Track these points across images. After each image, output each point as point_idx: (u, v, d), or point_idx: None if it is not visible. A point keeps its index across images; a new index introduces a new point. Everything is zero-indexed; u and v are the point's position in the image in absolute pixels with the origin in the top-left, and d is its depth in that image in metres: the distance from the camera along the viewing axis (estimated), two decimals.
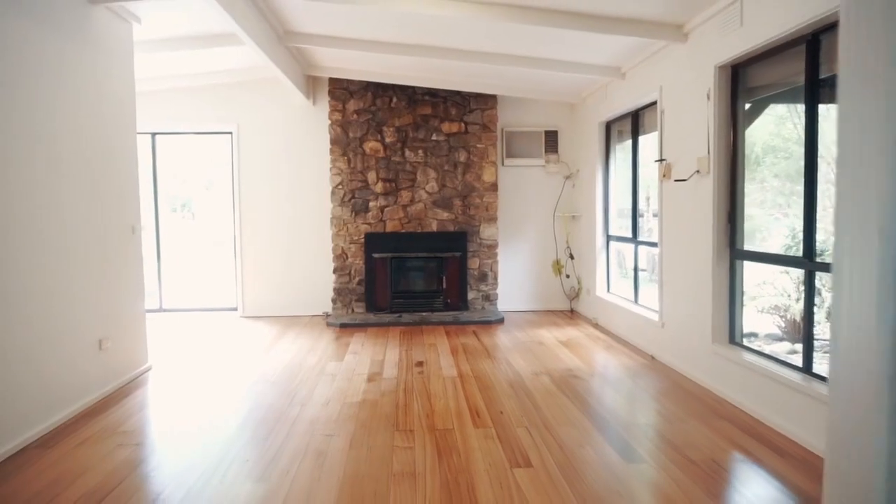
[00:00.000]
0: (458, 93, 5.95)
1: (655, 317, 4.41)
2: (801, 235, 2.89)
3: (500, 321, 5.78)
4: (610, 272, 5.71)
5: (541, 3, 3.65)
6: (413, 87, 5.90)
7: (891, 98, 1.25)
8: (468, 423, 3.07)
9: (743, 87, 3.40)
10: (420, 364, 4.27)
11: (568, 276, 6.38)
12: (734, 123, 3.44)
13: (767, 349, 3.36)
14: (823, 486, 1.50)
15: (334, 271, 6.04)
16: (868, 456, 1.32)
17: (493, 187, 6.08)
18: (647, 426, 3.00)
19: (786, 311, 3.65)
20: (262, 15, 4.14)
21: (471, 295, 6.14)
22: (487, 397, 3.49)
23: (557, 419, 3.10)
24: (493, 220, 6.11)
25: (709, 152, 3.54)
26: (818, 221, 2.81)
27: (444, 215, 6.06)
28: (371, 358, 4.47)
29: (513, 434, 2.90)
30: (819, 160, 2.79)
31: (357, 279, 6.05)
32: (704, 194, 3.60)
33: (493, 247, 6.14)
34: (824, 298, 3.01)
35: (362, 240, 6.02)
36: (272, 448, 2.77)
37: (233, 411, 3.30)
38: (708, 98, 3.53)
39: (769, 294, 3.73)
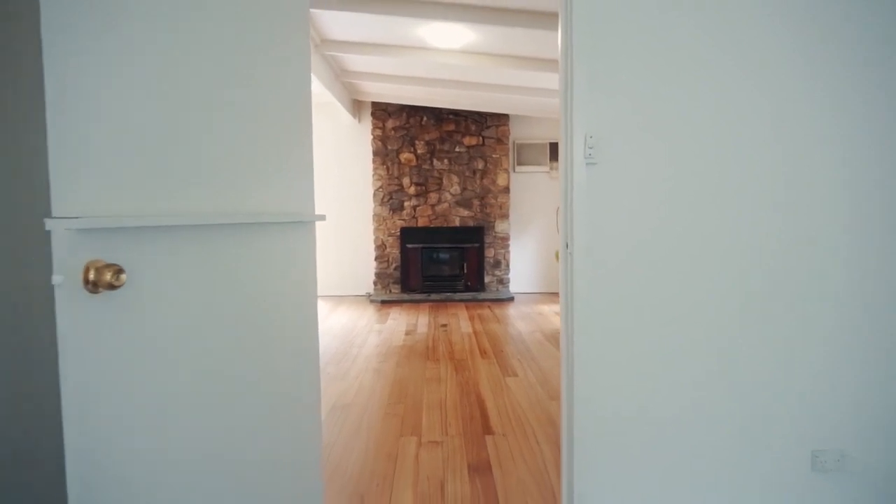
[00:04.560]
0: (477, 112, 7.25)
1: None
2: None
3: (511, 299, 7.05)
4: None
5: (541, 55, 4.92)
6: (440, 108, 7.22)
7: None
8: (477, 356, 4.36)
9: None
10: (444, 325, 5.58)
11: None
12: None
13: None
14: None
15: (375, 259, 7.39)
16: None
17: (506, 190, 7.36)
18: None
19: None
20: (326, 62, 5.50)
21: (487, 279, 7.42)
22: (493, 344, 4.78)
23: (542, 356, 4.37)
24: (505, 217, 7.39)
25: None
26: None
27: (465, 213, 7.36)
28: (407, 322, 5.80)
29: (508, 362, 4.19)
30: None
31: (394, 265, 7.39)
32: None
33: (505, 239, 7.42)
34: None
35: (398, 233, 7.36)
36: (343, 368, 4.10)
37: None
38: None
39: None
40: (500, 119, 7.30)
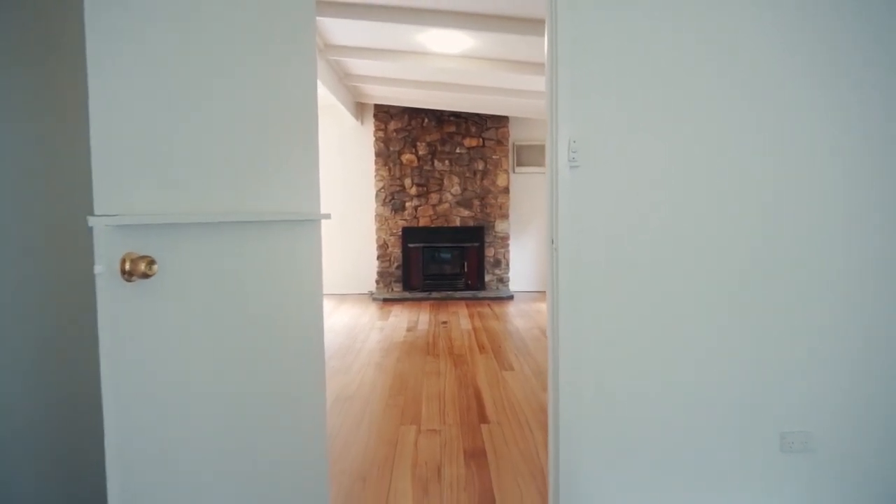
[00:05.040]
0: (478, 114, 7.39)
1: None
2: None
3: (510, 298, 7.19)
4: None
5: (537, 60, 5.05)
6: (441, 110, 7.36)
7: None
8: (476, 351, 4.50)
9: None
10: (445, 322, 5.73)
11: None
12: None
13: None
14: None
15: (378, 258, 7.54)
16: None
17: (506, 190, 7.50)
18: None
19: None
20: (329, 66, 5.65)
21: (487, 277, 7.56)
22: (492, 340, 4.92)
23: (538, 350, 4.51)
24: (505, 216, 7.53)
25: None
26: None
27: (466, 213, 7.51)
28: (408, 319, 5.94)
29: (505, 356, 4.33)
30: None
31: (396, 264, 7.54)
32: None
33: (505, 239, 7.56)
34: None
35: (400, 233, 7.50)
36: (347, 362, 4.25)
37: None
38: None
39: None
40: (500, 121, 7.44)
